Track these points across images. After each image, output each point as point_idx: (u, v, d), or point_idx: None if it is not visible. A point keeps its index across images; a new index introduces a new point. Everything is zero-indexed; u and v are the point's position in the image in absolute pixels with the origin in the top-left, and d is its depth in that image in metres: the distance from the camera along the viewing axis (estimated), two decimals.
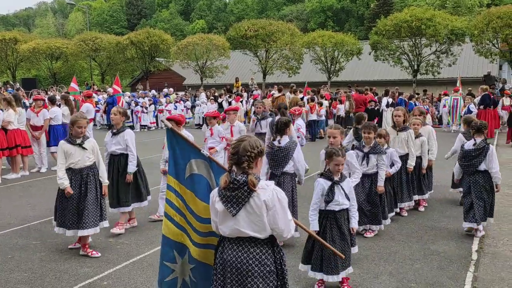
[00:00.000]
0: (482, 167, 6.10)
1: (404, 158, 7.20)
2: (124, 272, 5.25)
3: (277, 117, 8.89)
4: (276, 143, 6.13)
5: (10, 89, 23.75)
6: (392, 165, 6.71)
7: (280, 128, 6.20)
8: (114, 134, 6.46)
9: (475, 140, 6.19)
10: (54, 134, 11.14)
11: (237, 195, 2.90)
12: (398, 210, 7.22)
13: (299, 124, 9.79)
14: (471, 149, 6.16)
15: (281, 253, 3.07)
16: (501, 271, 5.23)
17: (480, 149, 6.07)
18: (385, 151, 6.35)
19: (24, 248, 6.05)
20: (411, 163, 7.26)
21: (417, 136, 7.48)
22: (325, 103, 18.19)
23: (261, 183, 2.93)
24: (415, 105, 17.60)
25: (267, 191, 2.91)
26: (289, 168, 5.95)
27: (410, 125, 7.48)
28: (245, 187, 2.89)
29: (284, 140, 6.06)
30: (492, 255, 5.70)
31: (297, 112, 9.99)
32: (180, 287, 3.47)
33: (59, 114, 11.28)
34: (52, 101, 11.77)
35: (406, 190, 7.28)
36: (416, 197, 7.61)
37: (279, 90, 18.10)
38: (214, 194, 3.04)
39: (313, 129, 17.16)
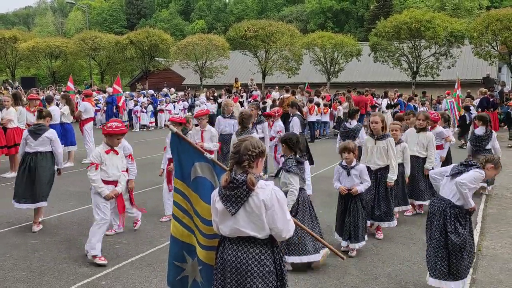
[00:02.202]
0: (488, 146, 8.51)
1: (383, 170, 6.28)
2: (123, 271, 5.25)
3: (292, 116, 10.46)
4: (348, 124, 8.89)
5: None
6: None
7: (352, 114, 9.02)
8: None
9: (485, 129, 8.55)
10: None
11: (236, 194, 2.92)
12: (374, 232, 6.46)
13: (280, 126, 9.93)
14: (482, 135, 8.57)
15: (281, 254, 3.08)
16: (499, 273, 5.24)
17: (488, 134, 8.53)
18: (295, 170, 5.15)
19: (22, 246, 6.05)
20: (392, 177, 6.23)
21: (398, 142, 6.77)
22: (321, 104, 18.23)
23: (260, 182, 2.95)
24: (414, 107, 17.66)
25: (266, 191, 2.92)
26: None
27: (411, 125, 7.25)
28: (244, 186, 2.90)
29: (353, 123, 8.87)
30: (491, 258, 5.71)
31: (276, 114, 10.17)
32: (190, 286, 3.50)
33: (56, 114, 11.23)
34: (49, 100, 11.73)
35: (385, 206, 6.30)
36: (398, 209, 6.95)
37: (287, 91, 18.15)
38: (215, 193, 3.06)
39: (312, 130, 17.20)
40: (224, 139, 9.19)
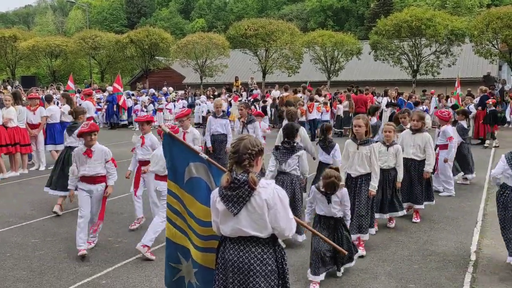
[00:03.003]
0: (469, 134, 10.76)
1: (364, 177, 5.68)
2: (123, 271, 5.25)
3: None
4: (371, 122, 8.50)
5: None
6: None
7: (372, 111, 9.81)
8: None
9: (467, 122, 10.50)
10: (51, 132, 11.03)
11: (238, 194, 2.90)
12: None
13: (265, 125, 10.91)
14: (467, 127, 10.17)
15: (282, 252, 3.07)
16: (499, 272, 5.24)
17: (469, 126, 10.39)
18: (273, 152, 5.52)
19: (22, 246, 6.05)
20: (374, 185, 5.64)
21: (390, 144, 6.48)
22: (321, 101, 18.20)
23: (261, 182, 2.93)
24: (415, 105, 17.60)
25: (268, 190, 2.90)
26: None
27: (405, 124, 7.21)
28: (246, 186, 2.89)
29: (373, 120, 9.47)
30: (491, 256, 5.71)
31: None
32: (187, 287, 3.51)
33: (56, 113, 11.20)
34: (48, 99, 11.73)
35: (365, 215, 5.73)
36: (387, 215, 6.65)
37: (286, 89, 18.18)
38: (215, 194, 3.04)
39: (313, 129, 17.17)
40: (216, 139, 9.02)
